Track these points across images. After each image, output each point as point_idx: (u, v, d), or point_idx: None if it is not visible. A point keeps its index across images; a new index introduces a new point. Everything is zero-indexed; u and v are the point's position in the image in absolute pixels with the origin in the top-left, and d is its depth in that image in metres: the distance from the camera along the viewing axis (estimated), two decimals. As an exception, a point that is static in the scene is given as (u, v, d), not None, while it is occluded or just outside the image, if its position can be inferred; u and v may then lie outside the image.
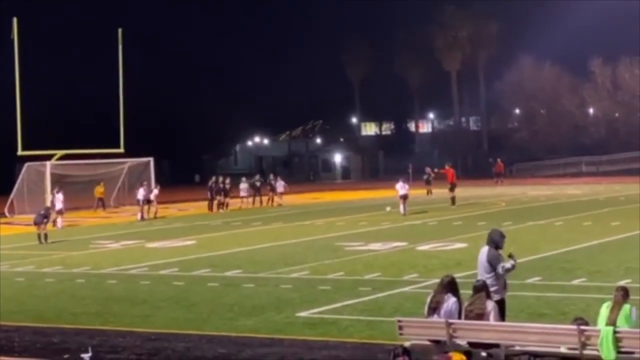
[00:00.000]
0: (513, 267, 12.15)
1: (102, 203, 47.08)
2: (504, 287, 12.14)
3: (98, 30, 68.49)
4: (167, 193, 53.64)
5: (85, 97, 79.33)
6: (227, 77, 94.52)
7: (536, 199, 45.15)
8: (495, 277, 11.97)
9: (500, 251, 12.25)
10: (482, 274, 12.02)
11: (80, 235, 33.44)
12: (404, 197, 37.10)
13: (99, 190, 47.53)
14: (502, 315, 11.70)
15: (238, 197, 46.55)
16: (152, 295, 18.35)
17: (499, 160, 66.19)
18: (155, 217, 40.69)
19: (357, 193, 57.94)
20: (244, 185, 47.23)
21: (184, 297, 17.85)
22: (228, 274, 20.96)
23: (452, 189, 41.24)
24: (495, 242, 12.30)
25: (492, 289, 11.76)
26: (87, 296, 18.58)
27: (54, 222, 36.02)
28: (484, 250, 12.26)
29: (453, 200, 40.81)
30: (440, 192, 51.49)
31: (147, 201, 41.34)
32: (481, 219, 33.10)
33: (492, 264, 12.01)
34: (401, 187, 37.29)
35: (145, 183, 42.39)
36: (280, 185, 47.49)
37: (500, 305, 11.81)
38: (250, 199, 46.94)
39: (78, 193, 39.91)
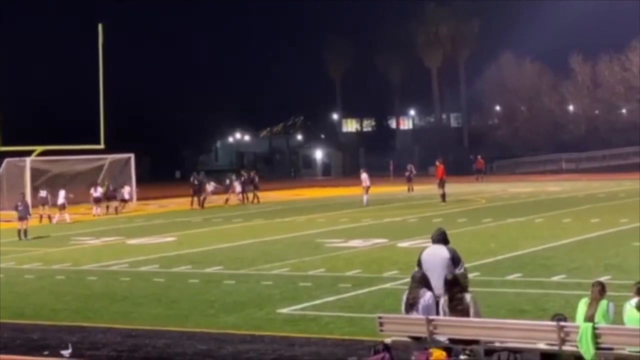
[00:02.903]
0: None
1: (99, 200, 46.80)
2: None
3: (78, 25, 68.28)
4: (147, 189, 53.54)
5: (65, 93, 78.96)
6: (208, 73, 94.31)
7: (516, 196, 45.36)
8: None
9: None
10: (438, 274, 11.51)
11: (60, 231, 33.28)
12: (368, 189, 40.48)
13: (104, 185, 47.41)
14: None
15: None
16: (133, 291, 18.29)
17: (479, 157, 66.45)
18: (116, 213, 40.76)
19: (338, 190, 57.99)
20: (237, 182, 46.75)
21: (165, 294, 17.80)
22: (209, 270, 20.93)
23: (441, 185, 41.47)
24: (444, 240, 12.04)
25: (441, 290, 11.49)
26: (67, 293, 18.49)
27: (49, 217, 36.94)
28: (441, 248, 11.94)
29: (443, 196, 41.05)
30: (422, 188, 51.67)
31: (122, 200, 41.43)
32: (461, 216, 33.21)
33: (455, 260, 11.78)
34: (366, 179, 40.50)
35: (99, 182, 42.26)
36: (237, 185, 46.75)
37: None
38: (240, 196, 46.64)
39: (58, 189, 39.74)
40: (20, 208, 30.77)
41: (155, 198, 51.26)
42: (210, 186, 45.68)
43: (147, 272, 21.05)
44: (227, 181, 47.34)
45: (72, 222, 36.86)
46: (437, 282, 11.50)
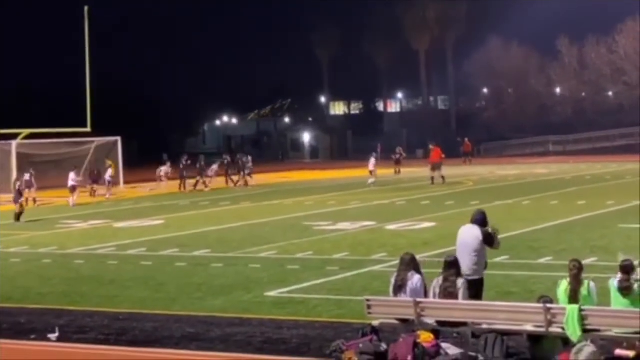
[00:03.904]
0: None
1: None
2: (484, 266, 12.20)
3: (64, 8, 67.79)
4: (135, 173, 53.35)
5: (51, 76, 78.51)
6: (195, 55, 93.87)
7: (504, 179, 45.46)
8: (479, 256, 12.02)
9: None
10: (467, 252, 11.99)
11: (47, 215, 33.15)
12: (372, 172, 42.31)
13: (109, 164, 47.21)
14: (479, 294, 11.77)
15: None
16: (120, 275, 18.25)
17: (466, 139, 66.49)
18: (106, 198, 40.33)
19: (326, 172, 57.96)
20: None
21: (152, 277, 17.77)
22: (196, 253, 20.90)
23: (435, 168, 41.69)
24: (481, 221, 12.30)
25: (474, 267, 11.90)
26: (54, 276, 18.44)
27: (34, 200, 36.95)
28: (472, 229, 12.21)
29: (443, 178, 41.32)
30: (409, 171, 51.74)
31: (109, 182, 40.90)
32: (449, 199, 33.25)
33: (488, 241, 12.07)
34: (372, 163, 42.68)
35: (76, 167, 41.30)
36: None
37: (479, 284, 11.92)
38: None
39: (45, 172, 39.58)
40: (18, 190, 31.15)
41: (143, 181, 51.08)
42: (212, 171, 45.36)
43: (135, 256, 21.01)
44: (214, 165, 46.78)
45: (74, 206, 36.44)
46: (465, 262, 11.86)
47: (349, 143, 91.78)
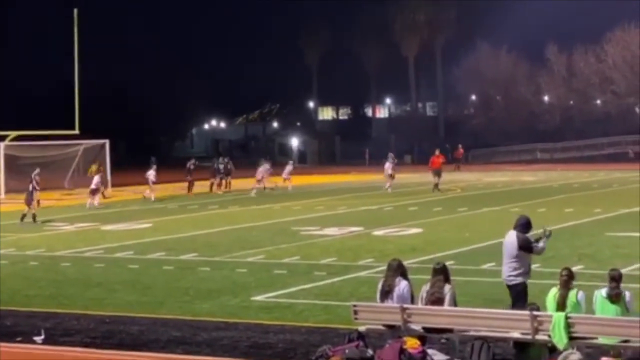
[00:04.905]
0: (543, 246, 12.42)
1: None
2: (527, 271, 12.27)
3: (53, 10, 67.61)
4: (122, 175, 53.15)
5: (39, 77, 78.23)
6: (184, 59, 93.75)
7: (492, 185, 45.57)
8: (517, 262, 12.12)
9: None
10: (506, 258, 12.25)
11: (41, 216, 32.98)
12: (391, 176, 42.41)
13: (94, 169, 46.92)
14: (520, 299, 11.79)
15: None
16: (107, 278, 18.21)
17: (460, 146, 66.44)
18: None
19: (314, 177, 57.96)
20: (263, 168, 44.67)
21: (139, 280, 17.74)
22: (184, 257, 20.87)
23: (436, 174, 41.32)
24: (522, 226, 12.37)
25: (512, 273, 12.06)
26: (40, 278, 18.38)
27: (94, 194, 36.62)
28: (512, 235, 12.35)
29: (436, 185, 40.94)
30: (398, 177, 51.73)
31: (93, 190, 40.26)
32: (437, 205, 33.32)
33: (523, 247, 12.14)
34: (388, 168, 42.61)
35: (101, 170, 41.35)
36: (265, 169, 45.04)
37: (520, 289, 12.02)
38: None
39: (29, 175, 39.23)
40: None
41: (131, 184, 50.92)
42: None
43: (122, 259, 20.95)
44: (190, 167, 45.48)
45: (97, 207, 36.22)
46: (504, 268, 12.25)
47: (337, 148, 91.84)
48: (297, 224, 27.71)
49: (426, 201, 35.40)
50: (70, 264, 20.41)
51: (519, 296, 11.98)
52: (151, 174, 40.13)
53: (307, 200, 37.63)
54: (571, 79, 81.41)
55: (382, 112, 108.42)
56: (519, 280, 12.10)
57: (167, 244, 23.46)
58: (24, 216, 30.27)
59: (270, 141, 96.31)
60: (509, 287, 12.15)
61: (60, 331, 13.15)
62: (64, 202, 40.81)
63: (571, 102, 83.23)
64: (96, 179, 37.36)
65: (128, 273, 18.83)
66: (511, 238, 12.31)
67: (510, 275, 12.18)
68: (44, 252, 22.51)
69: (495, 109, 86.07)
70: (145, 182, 41.19)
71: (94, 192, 36.97)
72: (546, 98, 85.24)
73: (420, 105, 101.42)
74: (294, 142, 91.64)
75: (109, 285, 17.25)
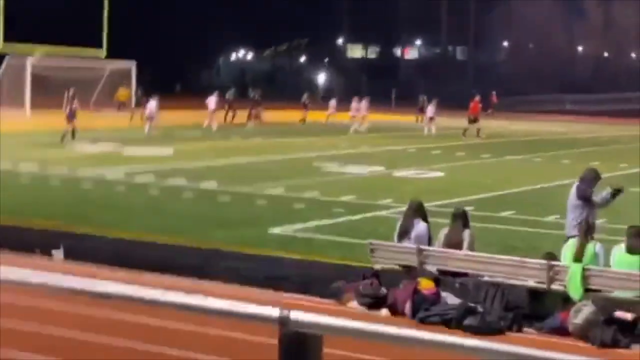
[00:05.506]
0: (612, 196, 12.27)
1: (124, 106, 46.18)
2: (584, 225, 12.02)
3: None
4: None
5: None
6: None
7: (517, 134, 45.21)
8: (574, 212, 12.00)
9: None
10: (568, 210, 12.16)
11: (56, 137, 33.10)
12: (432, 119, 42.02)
13: (122, 94, 46.93)
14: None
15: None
16: (126, 201, 18.31)
17: (494, 92, 65.66)
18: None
19: (338, 115, 57.66)
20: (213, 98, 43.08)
21: (158, 207, 17.81)
22: (203, 185, 20.91)
23: (472, 121, 41.12)
24: (586, 179, 12.34)
25: (570, 224, 11.84)
26: (61, 197, 18.49)
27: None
28: (574, 186, 12.36)
29: (478, 131, 40.64)
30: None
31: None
32: (460, 150, 33.11)
33: (581, 196, 12.06)
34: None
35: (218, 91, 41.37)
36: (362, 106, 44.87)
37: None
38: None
39: (53, 94, 39.27)
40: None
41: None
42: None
43: (142, 184, 21.03)
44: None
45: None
46: (566, 220, 12.08)
47: (363, 87, 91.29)
48: (319, 160, 27.64)
49: (450, 145, 35.18)
50: (91, 184, 20.52)
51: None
52: (152, 104, 38.24)
53: (330, 137, 37.50)
54: (607, 30, 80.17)
55: (411, 54, 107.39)
56: (574, 232, 11.87)
57: (187, 171, 23.49)
58: (65, 135, 30.54)
59: (298, 75, 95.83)
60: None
61: (78, 250, 13.23)
62: (87, 123, 40.82)
63: (605, 54, 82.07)
64: (152, 104, 37.03)
65: (148, 198, 18.91)
66: (572, 189, 12.26)
67: (568, 227, 11.96)
68: (65, 172, 22.61)
69: (526, 57, 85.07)
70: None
71: (150, 119, 36.84)
72: (580, 48, 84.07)
73: (450, 48, 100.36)
74: (321, 78, 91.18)
75: (128, 209, 17.33)
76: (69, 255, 12.77)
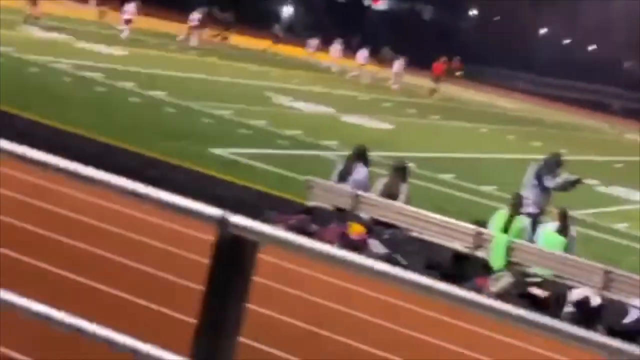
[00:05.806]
0: (569, 183, 12.43)
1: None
2: (540, 205, 12.21)
3: None
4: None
5: None
6: None
7: (469, 102, 45.54)
8: (534, 192, 12.21)
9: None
10: (526, 188, 12.28)
11: (13, 14, 32.30)
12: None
13: None
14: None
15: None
16: (72, 94, 18.03)
17: (458, 57, 65.74)
18: None
19: (296, 50, 57.29)
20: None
21: (103, 106, 17.59)
22: (152, 92, 20.69)
23: (436, 81, 41.33)
24: (548, 162, 12.54)
25: (527, 202, 11.79)
26: (4, 78, 18.13)
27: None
28: (535, 165, 12.59)
29: (432, 91, 40.87)
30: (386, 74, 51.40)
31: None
32: (412, 107, 33.26)
33: (537, 175, 12.28)
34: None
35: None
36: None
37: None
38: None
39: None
40: None
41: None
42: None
43: (91, 79, 20.72)
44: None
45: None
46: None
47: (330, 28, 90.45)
48: (271, 90, 27.52)
49: (402, 101, 35.30)
50: (38, 70, 20.15)
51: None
52: (131, 7, 37.18)
53: (286, 70, 37.28)
54: (574, 16, 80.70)
55: (380, 4, 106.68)
56: (530, 210, 11.93)
57: (138, 76, 23.19)
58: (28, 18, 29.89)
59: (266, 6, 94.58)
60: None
61: (15, 133, 13.03)
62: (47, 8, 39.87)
63: (567, 41, 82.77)
64: (132, 7, 35.92)
65: (94, 95, 18.65)
66: (531, 169, 12.52)
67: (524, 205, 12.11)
68: (12, 52, 22.13)
69: (491, 30, 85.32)
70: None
71: (127, 22, 35.47)
72: (543, 31, 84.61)
73: (418, 7, 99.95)
74: (288, 11, 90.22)
75: (73, 102, 17.09)
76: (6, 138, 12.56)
